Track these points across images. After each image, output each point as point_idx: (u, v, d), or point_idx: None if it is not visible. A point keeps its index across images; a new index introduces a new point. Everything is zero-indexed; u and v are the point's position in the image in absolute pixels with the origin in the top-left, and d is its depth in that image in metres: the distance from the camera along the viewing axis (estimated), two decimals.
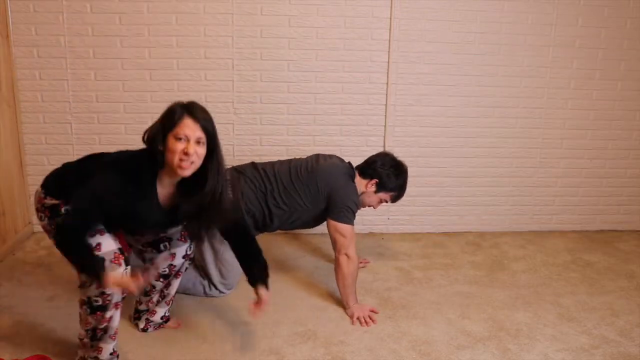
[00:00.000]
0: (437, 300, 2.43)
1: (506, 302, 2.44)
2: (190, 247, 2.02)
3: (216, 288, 2.40)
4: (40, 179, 3.15)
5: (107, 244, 1.68)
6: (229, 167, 2.45)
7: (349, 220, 2.32)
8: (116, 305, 1.73)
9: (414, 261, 2.88)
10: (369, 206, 2.54)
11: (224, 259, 2.36)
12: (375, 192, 2.47)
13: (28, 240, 2.96)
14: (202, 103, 3.07)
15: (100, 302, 1.67)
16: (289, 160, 2.52)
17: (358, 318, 2.23)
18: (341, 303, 2.33)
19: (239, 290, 2.48)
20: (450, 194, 3.31)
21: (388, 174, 2.45)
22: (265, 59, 3.01)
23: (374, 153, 2.50)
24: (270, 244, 3.06)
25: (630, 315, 2.35)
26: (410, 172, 3.22)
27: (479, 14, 3.07)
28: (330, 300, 2.38)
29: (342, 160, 2.51)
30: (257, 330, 2.14)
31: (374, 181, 2.45)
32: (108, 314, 1.71)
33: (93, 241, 1.66)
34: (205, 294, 2.41)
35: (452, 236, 3.29)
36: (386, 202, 2.54)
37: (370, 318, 2.23)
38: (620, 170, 3.39)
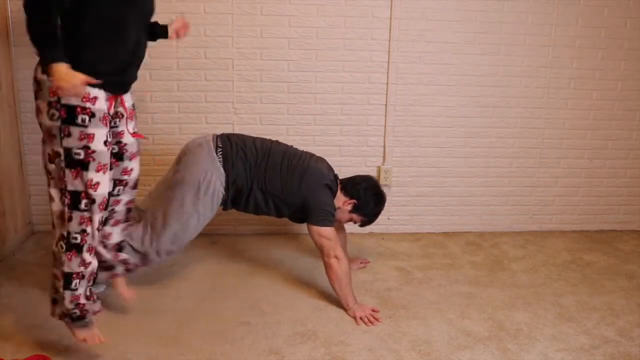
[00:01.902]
0: (437, 300, 2.43)
1: (506, 302, 2.44)
2: (134, 197, 2.06)
3: (157, 253, 2.27)
4: (40, 179, 3.16)
5: (103, 186, 1.71)
6: (220, 134, 2.44)
7: (330, 223, 2.33)
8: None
9: (414, 261, 2.88)
10: (337, 220, 2.53)
11: (187, 225, 2.28)
12: (350, 211, 2.48)
13: (28, 240, 2.96)
14: (203, 103, 3.10)
15: (78, 241, 1.72)
16: (287, 145, 2.52)
17: (362, 318, 2.23)
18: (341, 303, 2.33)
19: (239, 291, 2.48)
20: (450, 194, 3.31)
21: (368, 200, 2.47)
22: (265, 59, 3.01)
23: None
24: (270, 244, 3.06)
25: (630, 315, 2.35)
26: (410, 172, 3.25)
27: (479, 14, 3.07)
28: (330, 300, 2.38)
29: (330, 170, 2.50)
30: (257, 330, 2.14)
31: (352, 201, 2.46)
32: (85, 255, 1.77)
33: (93, 177, 1.68)
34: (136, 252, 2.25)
35: (452, 236, 3.29)
36: (354, 222, 2.55)
37: (374, 317, 2.24)
38: (620, 170, 3.39)
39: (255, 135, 2.53)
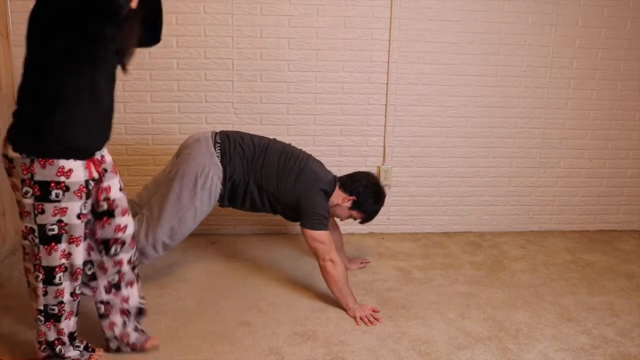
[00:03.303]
0: (437, 300, 2.43)
1: (506, 302, 2.44)
2: (135, 254, 1.94)
3: (154, 247, 2.29)
4: None
5: (76, 256, 1.71)
6: (219, 131, 2.44)
7: (324, 227, 2.32)
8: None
9: (414, 261, 2.88)
10: (337, 217, 2.53)
11: (184, 219, 2.29)
12: (350, 208, 2.48)
13: None
14: (203, 103, 3.10)
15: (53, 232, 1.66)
16: (284, 144, 2.51)
17: (362, 318, 2.23)
18: None
19: (239, 291, 2.48)
20: (450, 194, 3.31)
21: (367, 197, 2.46)
22: (265, 59, 3.01)
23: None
24: (270, 243, 3.06)
25: (630, 315, 2.35)
26: (410, 172, 3.25)
27: (479, 14, 3.07)
28: (330, 301, 2.38)
29: (327, 173, 2.50)
30: (257, 330, 2.14)
31: (351, 198, 2.45)
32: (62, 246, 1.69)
33: (66, 249, 1.68)
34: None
35: (452, 236, 3.29)
36: (354, 219, 2.55)
37: (374, 317, 2.24)
38: (620, 170, 3.39)
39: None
